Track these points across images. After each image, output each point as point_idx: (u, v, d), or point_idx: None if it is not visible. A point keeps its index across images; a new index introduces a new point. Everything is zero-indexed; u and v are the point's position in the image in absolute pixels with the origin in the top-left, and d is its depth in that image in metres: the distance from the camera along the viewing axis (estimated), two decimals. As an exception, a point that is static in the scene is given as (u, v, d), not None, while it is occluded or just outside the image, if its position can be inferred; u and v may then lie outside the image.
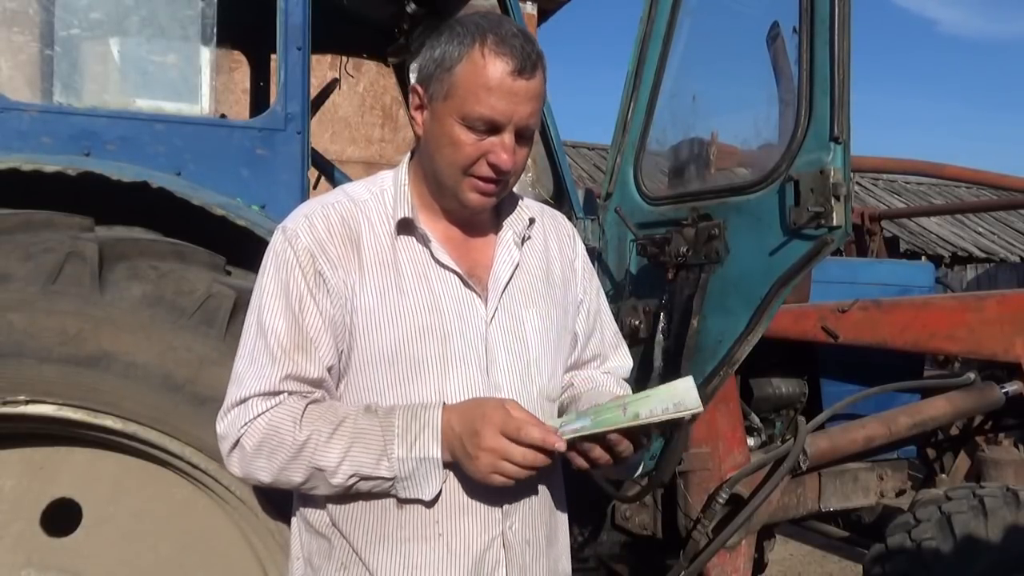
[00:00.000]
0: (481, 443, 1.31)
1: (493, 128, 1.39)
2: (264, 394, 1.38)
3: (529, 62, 1.38)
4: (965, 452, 3.27)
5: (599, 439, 1.36)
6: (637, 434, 1.39)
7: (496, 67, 1.36)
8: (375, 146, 10.61)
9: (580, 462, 1.41)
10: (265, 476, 1.39)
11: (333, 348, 1.42)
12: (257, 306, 1.44)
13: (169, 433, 1.89)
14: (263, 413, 1.37)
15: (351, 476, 1.36)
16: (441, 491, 1.41)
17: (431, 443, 1.35)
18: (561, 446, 1.31)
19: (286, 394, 1.39)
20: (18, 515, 1.93)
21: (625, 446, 1.38)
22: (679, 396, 1.32)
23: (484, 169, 1.42)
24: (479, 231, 1.56)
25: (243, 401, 1.39)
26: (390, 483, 1.37)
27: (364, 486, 1.38)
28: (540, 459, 1.32)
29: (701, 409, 1.31)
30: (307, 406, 1.39)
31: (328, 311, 1.41)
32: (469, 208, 1.48)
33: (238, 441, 1.38)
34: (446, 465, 1.38)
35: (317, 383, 1.42)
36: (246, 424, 1.37)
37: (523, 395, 1.47)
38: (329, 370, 1.43)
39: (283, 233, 1.45)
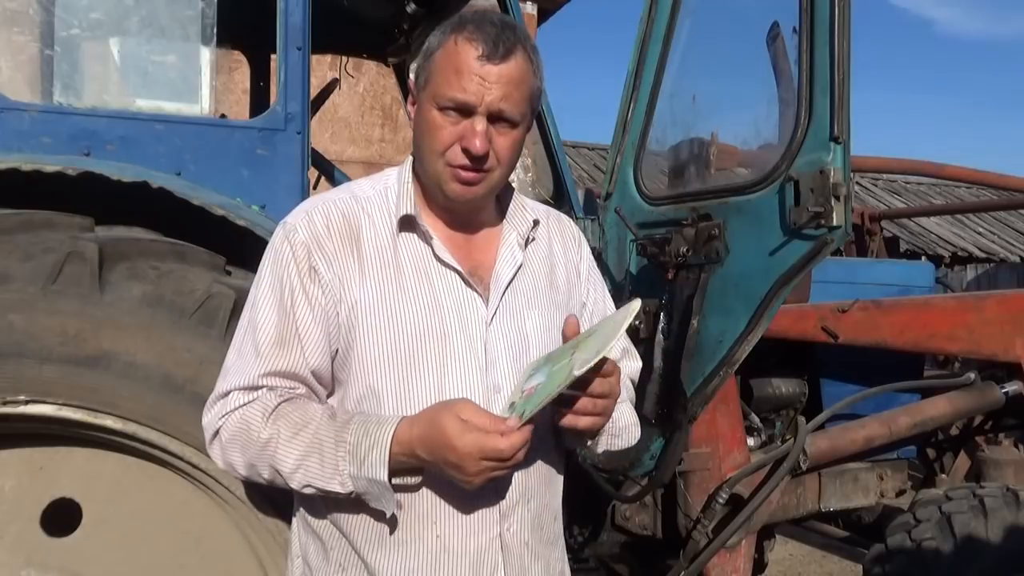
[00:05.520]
0: (468, 471, 1.30)
1: (465, 111, 1.40)
2: (245, 388, 1.40)
3: (502, 47, 1.38)
4: (965, 452, 3.26)
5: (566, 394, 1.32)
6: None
7: (466, 51, 1.38)
8: (375, 146, 10.61)
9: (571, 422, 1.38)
10: (240, 468, 1.42)
11: (324, 345, 1.42)
12: (252, 300, 1.46)
13: (169, 433, 1.89)
14: (240, 407, 1.39)
15: (305, 486, 1.38)
16: (438, 493, 1.41)
17: (378, 466, 1.33)
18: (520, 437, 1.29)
19: (265, 389, 1.40)
20: (18, 515, 1.93)
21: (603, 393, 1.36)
22: (620, 316, 1.35)
23: (458, 155, 1.41)
24: (482, 231, 1.56)
25: (226, 394, 1.41)
26: (348, 495, 1.38)
27: (320, 494, 1.39)
28: (522, 450, 1.31)
29: (639, 304, 1.36)
30: (280, 404, 1.39)
31: (320, 307, 1.41)
32: (453, 200, 1.47)
33: (218, 431, 1.41)
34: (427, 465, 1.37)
35: (301, 380, 1.43)
36: (225, 416, 1.40)
37: None
38: (317, 368, 1.43)
39: (283, 228, 1.47)
